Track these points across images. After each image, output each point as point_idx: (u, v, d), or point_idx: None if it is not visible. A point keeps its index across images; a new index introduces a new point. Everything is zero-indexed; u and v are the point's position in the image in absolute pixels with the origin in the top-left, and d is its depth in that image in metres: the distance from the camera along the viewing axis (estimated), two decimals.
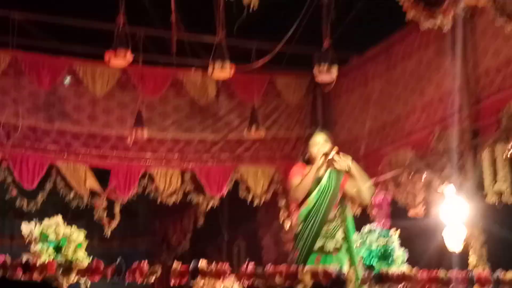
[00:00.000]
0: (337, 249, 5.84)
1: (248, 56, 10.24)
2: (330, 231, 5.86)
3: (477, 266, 7.87)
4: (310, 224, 5.83)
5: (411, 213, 9.22)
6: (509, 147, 7.85)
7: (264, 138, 11.09)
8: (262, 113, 11.13)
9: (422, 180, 9.02)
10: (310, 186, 5.92)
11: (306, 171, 5.99)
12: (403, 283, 5.11)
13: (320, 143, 6.10)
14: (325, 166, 5.98)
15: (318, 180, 5.96)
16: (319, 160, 5.96)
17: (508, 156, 7.89)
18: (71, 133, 10.58)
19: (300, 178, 5.95)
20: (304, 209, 5.92)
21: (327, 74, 8.52)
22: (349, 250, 5.84)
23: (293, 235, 6.06)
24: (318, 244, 5.79)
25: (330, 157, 5.96)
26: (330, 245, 5.81)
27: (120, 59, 8.43)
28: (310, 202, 5.91)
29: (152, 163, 10.96)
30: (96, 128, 10.70)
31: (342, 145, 10.85)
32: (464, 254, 8.16)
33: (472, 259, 7.99)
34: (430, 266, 7.18)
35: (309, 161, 6.12)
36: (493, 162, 7.97)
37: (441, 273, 5.20)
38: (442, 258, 8.93)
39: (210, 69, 8.83)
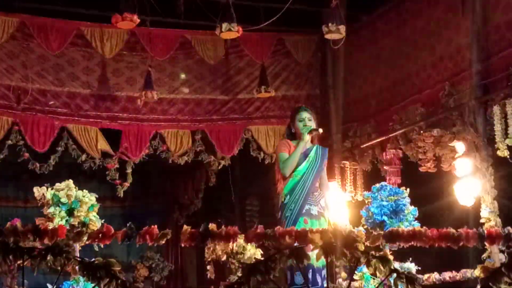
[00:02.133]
0: (321, 214, 6.37)
1: (256, 15, 10.18)
2: (314, 199, 6.37)
3: (489, 220, 7.89)
4: (297, 195, 6.29)
5: (423, 168, 9.23)
6: None
7: (274, 97, 11.08)
8: (271, 72, 11.12)
9: (433, 136, 9.00)
10: (297, 161, 6.36)
11: (292, 146, 6.44)
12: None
13: (305, 119, 6.50)
14: (312, 141, 6.52)
15: (304, 154, 6.44)
16: (306, 136, 6.41)
17: None
18: (81, 95, 10.60)
19: (286, 153, 6.39)
20: (291, 180, 6.36)
21: (336, 33, 8.46)
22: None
23: (279, 204, 6.42)
24: (305, 208, 6.28)
25: (319, 132, 6.47)
26: (314, 210, 6.31)
27: (127, 22, 8.43)
28: (296, 175, 6.38)
29: (163, 124, 10.98)
30: (106, 90, 10.71)
31: (353, 103, 10.95)
32: (476, 209, 8.19)
33: (484, 213, 8.01)
34: (442, 221, 7.23)
35: (293, 136, 6.55)
36: (504, 117, 7.95)
37: (451, 230, 5.18)
38: (453, 212, 8.98)
39: (218, 30, 8.81)
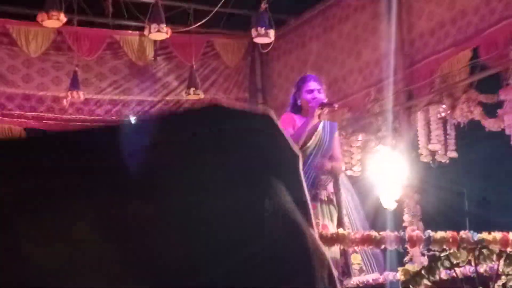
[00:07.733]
0: (331, 200, 5.55)
1: (185, 17, 10.16)
2: (322, 182, 5.55)
3: (411, 224, 8.06)
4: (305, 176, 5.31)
5: (348, 172, 9.35)
6: (442, 108, 8.04)
7: (203, 100, 11.06)
8: (200, 75, 11.08)
9: (359, 141, 9.15)
10: (305, 138, 5.46)
11: (296, 120, 5.57)
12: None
13: (315, 89, 5.58)
14: (322, 117, 5.59)
15: (311, 131, 5.55)
16: (317, 112, 5.49)
17: (441, 116, 8.08)
18: (5, 95, 10.39)
19: (290, 128, 5.45)
20: None
21: (264, 37, 8.52)
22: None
23: None
24: (312, 193, 5.32)
25: (334, 108, 5.60)
26: (323, 194, 5.51)
27: (54, 20, 8.31)
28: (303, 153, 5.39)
29: (90, 125, 10.83)
30: (31, 90, 10.53)
31: (281, 107, 10.99)
32: (399, 213, 8.34)
33: (406, 217, 8.17)
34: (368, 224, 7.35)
35: (298, 109, 5.66)
36: (427, 123, 8.14)
37: (373, 233, 5.28)
38: (377, 216, 9.13)
39: (147, 30, 8.76)
